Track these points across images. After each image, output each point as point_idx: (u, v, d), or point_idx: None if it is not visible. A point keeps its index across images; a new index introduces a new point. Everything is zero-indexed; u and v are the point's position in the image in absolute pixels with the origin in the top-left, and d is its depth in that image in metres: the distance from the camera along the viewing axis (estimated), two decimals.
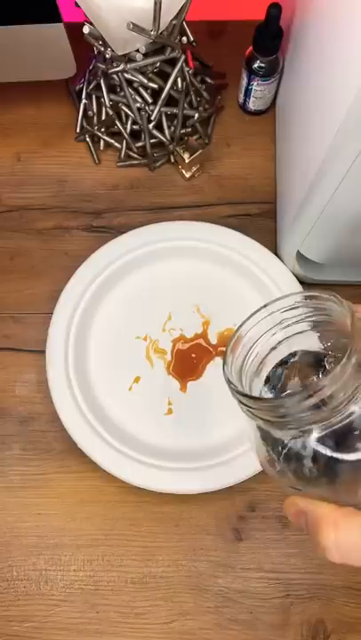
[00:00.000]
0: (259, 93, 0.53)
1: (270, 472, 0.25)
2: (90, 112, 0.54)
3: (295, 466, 0.23)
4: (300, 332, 0.26)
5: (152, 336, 0.49)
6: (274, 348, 0.26)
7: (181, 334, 0.49)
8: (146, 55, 0.45)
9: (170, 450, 0.46)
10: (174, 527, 0.46)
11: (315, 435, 0.22)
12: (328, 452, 0.22)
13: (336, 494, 0.22)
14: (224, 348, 0.47)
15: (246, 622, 0.44)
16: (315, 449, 0.22)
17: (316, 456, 0.22)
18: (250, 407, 0.22)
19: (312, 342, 0.26)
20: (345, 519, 0.20)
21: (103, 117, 0.53)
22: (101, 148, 0.56)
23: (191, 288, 0.50)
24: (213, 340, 0.49)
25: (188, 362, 0.48)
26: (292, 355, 0.27)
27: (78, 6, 0.42)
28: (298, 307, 0.25)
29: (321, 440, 0.22)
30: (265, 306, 0.25)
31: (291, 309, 0.25)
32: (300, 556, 0.45)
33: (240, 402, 0.23)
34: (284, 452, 0.23)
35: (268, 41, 0.49)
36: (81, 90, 0.54)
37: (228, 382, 0.24)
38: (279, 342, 0.26)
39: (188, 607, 0.44)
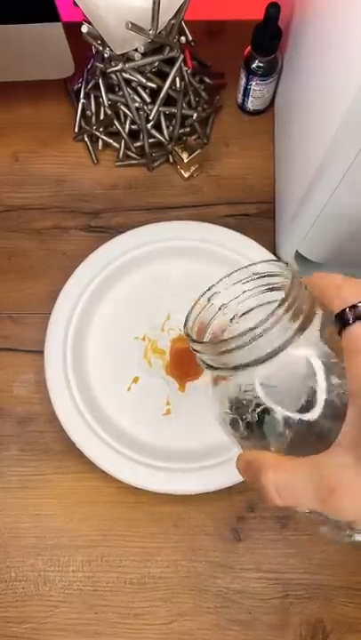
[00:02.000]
0: (257, 93, 0.53)
1: (226, 431, 0.26)
2: (88, 112, 0.54)
3: (241, 420, 0.24)
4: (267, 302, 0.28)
5: (150, 336, 0.49)
6: (244, 314, 0.29)
7: (180, 334, 0.49)
8: (144, 55, 0.45)
9: (168, 450, 0.46)
10: (173, 528, 0.46)
11: (259, 392, 0.23)
12: (270, 408, 0.23)
13: (278, 450, 0.24)
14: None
15: (245, 622, 0.44)
16: (255, 402, 0.23)
17: (259, 413, 0.23)
18: (198, 351, 0.25)
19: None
20: (284, 462, 0.22)
21: (102, 117, 0.53)
22: (100, 147, 0.55)
23: (190, 288, 0.50)
24: None
25: (186, 362, 0.48)
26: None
27: (77, 5, 0.42)
28: (262, 276, 0.27)
29: (265, 396, 0.23)
30: (228, 276, 0.28)
31: (257, 279, 0.27)
32: (299, 557, 0.45)
33: (193, 349, 0.25)
34: (234, 406, 0.24)
35: (267, 40, 0.48)
36: (79, 89, 0.54)
37: (187, 335, 0.26)
38: (250, 309, 0.28)
39: (187, 608, 0.44)
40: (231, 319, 0.28)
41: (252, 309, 0.28)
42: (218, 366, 0.24)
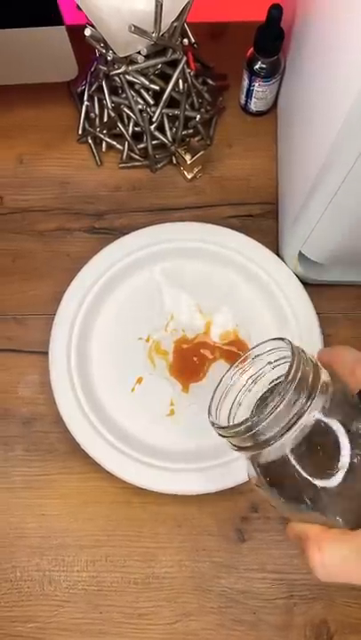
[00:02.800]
0: (260, 94, 0.53)
1: (274, 504, 0.27)
2: (92, 114, 0.54)
3: (279, 492, 0.25)
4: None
5: (154, 337, 0.49)
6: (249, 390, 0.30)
7: (183, 335, 0.49)
8: (147, 57, 0.45)
9: (172, 450, 0.46)
10: (177, 528, 0.46)
11: (289, 461, 0.24)
12: (301, 475, 0.24)
13: (316, 517, 0.24)
14: (226, 348, 0.47)
15: (249, 623, 0.44)
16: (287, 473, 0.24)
17: (292, 480, 0.24)
18: (223, 436, 0.26)
19: None
20: (329, 543, 0.22)
21: (105, 119, 0.53)
22: (103, 149, 0.56)
23: (193, 289, 0.51)
24: (215, 341, 0.49)
25: (189, 363, 0.48)
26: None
27: (80, 9, 0.42)
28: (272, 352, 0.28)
29: (295, 464, 0.24)
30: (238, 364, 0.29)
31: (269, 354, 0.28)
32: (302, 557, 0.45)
33: (218, 434, 0.27)
34: (268, 479, 0.26)
35: (270, 42, 0.49)
36: (83, 92, 0.54)
37: (208, 414, 0.28)
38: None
39: (192, 608, 0.44)
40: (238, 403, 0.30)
41: (272, 384, 0.30)
42: (245, 446, 0.25)
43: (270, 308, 0.49)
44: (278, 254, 0.50)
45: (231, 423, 0.28)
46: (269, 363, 0.29)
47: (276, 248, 0.51)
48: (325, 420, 0.24)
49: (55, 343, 0.47)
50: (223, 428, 0.26)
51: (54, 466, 0.47)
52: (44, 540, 0.46)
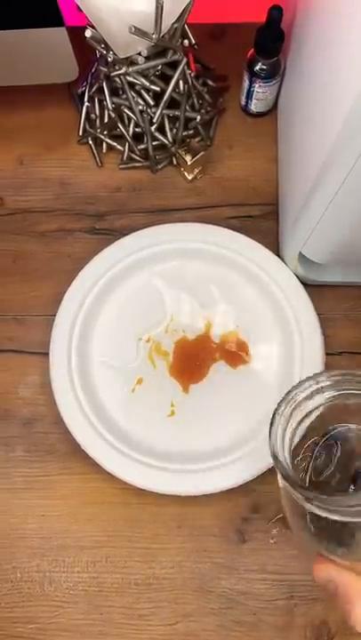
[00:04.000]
0: (261, 95, 0.53)
1: (300, 535, 0.25)
2: (92, 115, 0.54)
3: (332, 533, 0.23)
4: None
5: (154, 338, 0.49)
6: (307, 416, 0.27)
7: (184, 336, 0.49)
8: (148, 58, 0.45)
9: (173, 451, 0.46)
10: (177, 529, 0.46)
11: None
12: None
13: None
14: (227, 349, 0.47)
15: (250, 624, 0.44)
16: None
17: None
18: (306, 499, 0.23)
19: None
20: None
21: (105, 120, 0.53)
22: (104, 150, 0.56)
23: (193, 289, 0.51)
24: (216, 342, 0.49)
25: (190, 363, 0.48)
26: (330, 431, 0.27)
27: (80, 10, 0.42)
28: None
29: None
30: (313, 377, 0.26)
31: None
32: (303, 558, 0.45)
33: (295, 492, 0.23)
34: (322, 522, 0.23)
35: (270, 43, 0.49)
36: (83, 93, 0.54)
37: (286, 477, 0.24)
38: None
39: (192, 609, 0.44)
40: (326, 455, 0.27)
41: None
42: (331, 518, 0.22)
43: (271, 309, 0.49)
44: (279, 255, 0.50)
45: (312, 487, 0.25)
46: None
47: (276, 249, 0.51)
48: None
49: (56, 344, 0.47)
50: (302, 487, 0.23)
51: (55, 467, 0.47)
52: (45, 541, 0.46)
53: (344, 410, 0.27)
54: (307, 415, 0.26)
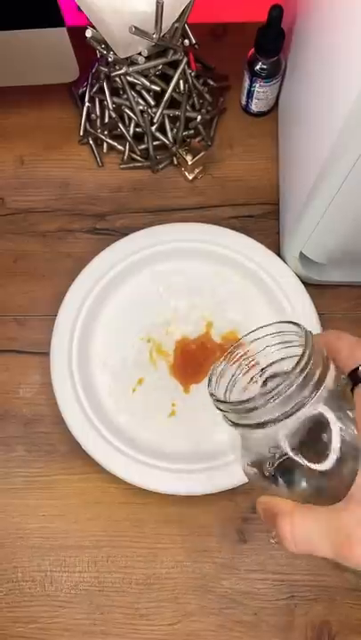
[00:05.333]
0: (261, 95, 0.53)
1: (248, 476, 0.28)
2: (93, 115, 0.54)
3: (262, 468, 0.26)
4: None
5: (155, 338, 0.49)
6: (270, 365, 0.29)
7: (184, 336, 0.49)
8: (148, 58, 0.45)
9: (173, 451, 0.46)
10: (178, 529, 0.46)
11: (281, 445, 0.24)
12: (290, 460, 0.24)
13: (295, 496, 0.25)
14: (227, 349, 0.47)
15: (251, 624, 0.44)
16: (279, 452, 0.25)
17: (281, 464, 0.25)
18: (220, 409, 0.26)
19: None
20: (300, 512, 0.23)
21: (106, 120, 0.53)
22: (104, 150, 0.56)
23: (194, 289, 0.51)
24: (217, 341, 0.49)
25: (191, 363, 0.48)
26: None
27: (81, 10, 0.42)
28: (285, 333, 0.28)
29: (286, 448, 0.24)
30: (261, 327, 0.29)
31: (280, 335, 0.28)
32: (304, 558, 0.45)
33: (218, 408, 0.26)
34: (257, 457, 0.26)
35: (270, 42, 0.49)
36: (84, 93, 0.54)
37: (211, 394, 0.27)
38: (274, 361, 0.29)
39: (193, 608, 0.44)
40: (251, 378, 0.30)
41: (270, 365, 0.29)
42: (242, 423, 0.25)
43: (271, 309, 0.49)
44: (279, 255, 0.50)
45: (232, 399, 0.28)
46: (275, 344, 0.28)
47: (277, 248, 0.51)
48: (324, 412, 0.24)
49: (56, 344, 0.47)
50: (223, 402, 0.26)
51: (55, 466, 0.47)
52: (46, 541, 0.46)
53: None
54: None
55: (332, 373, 0.25)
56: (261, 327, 0.28)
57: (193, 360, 0.49)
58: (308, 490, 0.24)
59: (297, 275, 0.48)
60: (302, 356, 0.24)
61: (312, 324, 0.47)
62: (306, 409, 0.23)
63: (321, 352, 0.25)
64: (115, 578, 0.45)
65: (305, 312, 0.47)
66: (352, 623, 0.43)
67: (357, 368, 0.24)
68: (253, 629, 0.44)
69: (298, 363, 0.23)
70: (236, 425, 0.26)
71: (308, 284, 0.49)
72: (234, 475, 0.43)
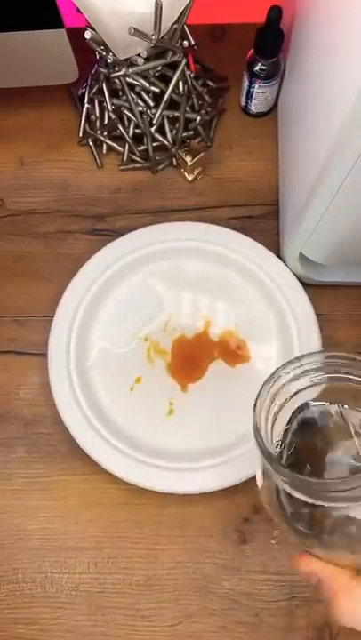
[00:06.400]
0: (260, 96, 0.53)
1: (282, 528, 0.25)
2: (92, 116, 0.54)
3: (316, 527, 0.23)
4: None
5: (153, 337, 0.49)
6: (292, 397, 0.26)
7: (182, 335, 0.49)
8: (147, 59, 0.45)
9: (172, 450, 0.46)
10: (179, 529, 0.46)
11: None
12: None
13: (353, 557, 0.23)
14: (225, 348, 0.47)
15: (252, 625, 0.44)
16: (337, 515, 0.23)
17: (338, 521, 0.23)
18: (288, 483, 0.22)
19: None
20: (358, 589, 0.22)
21: (106, 121, 0.54)
22: (104, 151, 0.56)
23: (192, 288, 0.51)
24: (214, 340, 0.49)
25: (188, 362, 0.48)
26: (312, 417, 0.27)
27: (80, 12, 0.42)
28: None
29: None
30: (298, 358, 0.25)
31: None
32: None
33: (271, 467, 0.23)
34: (306, 512, 0.23)
35: (270, 43, 0.49)
36: (83, 94, 0.54)
37: (267, 454, 0.23)
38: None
39: (194, 609, 0.44)
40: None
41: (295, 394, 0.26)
42: (310, 501, 0.22)
43: (270, 309, 0.49)
44: (279, 255, 0.50)
45: (301, 476, 0.24)
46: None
47: (276, 249, 0.51)
48: None
49: (54, 345, 0.47)
50: (285, 470, 0.23)
51: (55, 467, 0.47)
52: (46, 542, 0.46)
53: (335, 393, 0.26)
54: (293, 396, 0.26)
55: None
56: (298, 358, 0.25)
57: (191, 359, 0.49)
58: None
59: (296, 275, 0.49)
60: None
61: (311, 325, 0.47)
62: None
63: None
64: (115, 579, 0.45)
65: (304, 313, 0.47)
66: None
67: None
68: (255, 630, 0.43)
69: None
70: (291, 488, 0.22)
71: (307, 285, 0.49)
72: (233, 472, 0.43)
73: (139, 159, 0.55)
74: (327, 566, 0.23)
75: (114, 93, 0.51)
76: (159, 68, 0.47)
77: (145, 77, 0.48)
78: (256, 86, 0.52)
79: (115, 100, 0.51)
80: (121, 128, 0.53)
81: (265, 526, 0.45)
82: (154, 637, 0.44)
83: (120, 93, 0.50)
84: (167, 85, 0.49)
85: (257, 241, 0.50)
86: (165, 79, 0.49)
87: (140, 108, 0.50)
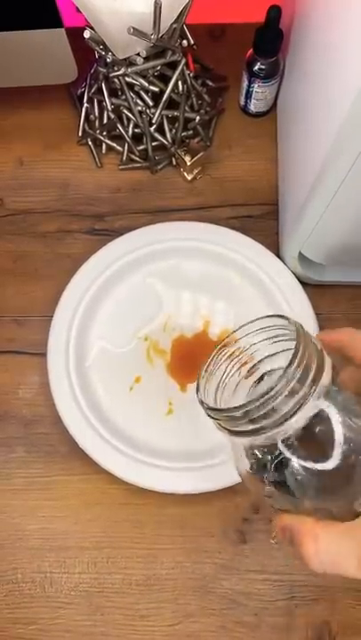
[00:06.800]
0: (260, 95, 0.53)
1: (247, 483, 0.26)
2: (92, 116, 0.54)
3: (270, 478, 0.24)
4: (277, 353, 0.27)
5: (152, 336, 0.49)
6: (260, 362, 0.28)
7: (181, 334, 0.49)
8: (147, 59, 0.45)
9: (171, 449, 0.46)
10: (178, 529, 0.46)
11: (280, 448, 0.23)
12: (292, 462, 0.23)
13: (306, 504, 0.24)
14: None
15: (251, 624, 0.44)
16: (280, 461, 0.23)
17: (283, 467, 0.23)
18: (213, 417, 0.24)
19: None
20: (324, 532, 0.22)
21: (105, 121, 0.53)
22: (103, 151, 0.56)
23: (191, 288, 0.51)
24: (214, 340, 0.49)
25: (188, 362, 0.48)
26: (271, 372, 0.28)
27: (79, 11, 0.42)
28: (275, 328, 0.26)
29: (286, 451, 0.23)
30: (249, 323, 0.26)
31: (271, 330, 0.26)
32: None
33: (209, 416, 0.25)
34: (256, 464, 0.24)
35: (269, 43, 0.49)
36: (82, 94, 0.54)
37: (201, 402, 0.26)
38: (264, 357, 0.27)
39: (193, 609, 0.44)
40: (247, 376, 0.27)
41: (260, 361, 0.27)
42: (237, 430, 0.23)
43: (269, 308, 0.49)
44: (278, 255, 0.50)
45: (226, 406, 0.25)
46: (265, 339, 0.26)
47: (276, 249, 0.51)
48: (326, 409, 0.22)
49: (53, 345, 0.47)
50: (216, 410, 0.24)
51: (55, 467, 0.47)
52: (46, 542, 0.46)
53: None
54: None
55: (329, 367, 0.23)
56: (250, 322, 0.26)
57: (190, 358, 0.48)
58: (318, 496, 0.23)
59: (296, 275, 0.48)
60: (297, 348, 0.22)
61: (310, 324, 0.47)
62: (307, 406, 0.22)
63: (315, 344, 0.23)
64: (115, 579, 0.45)
65: (303, 312, 0.47)
66: (353, 623, 0.43)
67: None
68: (254, 630, 0.43)
69: (294, 355, 0.22)
70: (231, 432, 0.24)
71: (306, 285, 0.49)
72: (232, 472, 0.43)
73: (138, 159, 0.55)
74: (295, 516, 0.24)
75: (113, 93, 0.51)
76: (158, 68, 0.47)
77: (144, 77, 0.48)
78: (255, 86, 0.52)
79: (114, 100, 0.51)
80: (120, 128, 0.53)
81: (264, 526, 0.45)
82: (153, 637, 0.44)
83: (119, 93, 0.50)
84: (166, 85, 0.49)
85: (256, 240, 0.50)
86: (165, 79, 0.49)
87: (140, 108, 0.50)
